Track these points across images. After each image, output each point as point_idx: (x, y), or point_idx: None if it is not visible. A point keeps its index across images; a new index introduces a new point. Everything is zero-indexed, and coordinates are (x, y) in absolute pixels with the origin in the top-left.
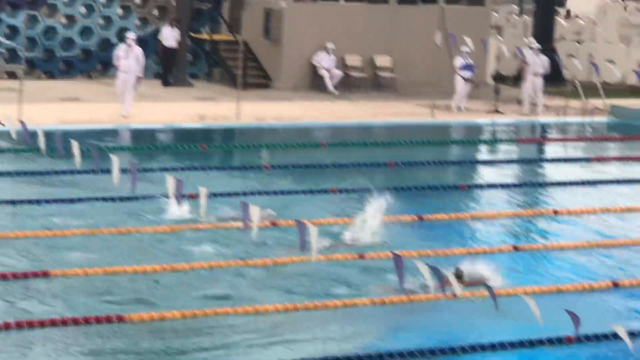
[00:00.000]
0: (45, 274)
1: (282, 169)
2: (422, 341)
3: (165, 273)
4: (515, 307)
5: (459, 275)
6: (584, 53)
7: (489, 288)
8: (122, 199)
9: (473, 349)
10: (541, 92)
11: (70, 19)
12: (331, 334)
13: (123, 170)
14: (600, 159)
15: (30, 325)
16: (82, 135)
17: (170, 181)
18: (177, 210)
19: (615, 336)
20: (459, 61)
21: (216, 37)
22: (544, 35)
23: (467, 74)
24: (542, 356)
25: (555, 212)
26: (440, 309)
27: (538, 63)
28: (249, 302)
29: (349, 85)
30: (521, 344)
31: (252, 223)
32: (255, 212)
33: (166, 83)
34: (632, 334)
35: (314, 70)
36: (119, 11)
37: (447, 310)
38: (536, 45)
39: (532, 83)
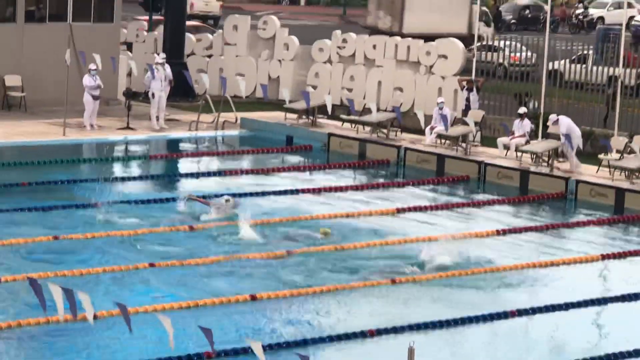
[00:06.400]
0: None
1: None
2: None
3: None
4: (153, 325)
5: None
6: (215, 67)
7: (122, 308)
8: None
9: None
10: (164, 107)
11: None
12: None
13: None
14: (233, 172)
15: None
16: None
17: None
18: None
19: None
20: (87, 79)
21: None
22: (175, 50)
23: (95, 91)
24: None
25: (191, 228)
26: (78, 332)
27: (162, 77)
28: None
29: None
30: None
31: None
32: None
33: None
34: (270, 347)
35: None
36: None
37: (84, 333)
38: (161, 59)
39: (159, 98)
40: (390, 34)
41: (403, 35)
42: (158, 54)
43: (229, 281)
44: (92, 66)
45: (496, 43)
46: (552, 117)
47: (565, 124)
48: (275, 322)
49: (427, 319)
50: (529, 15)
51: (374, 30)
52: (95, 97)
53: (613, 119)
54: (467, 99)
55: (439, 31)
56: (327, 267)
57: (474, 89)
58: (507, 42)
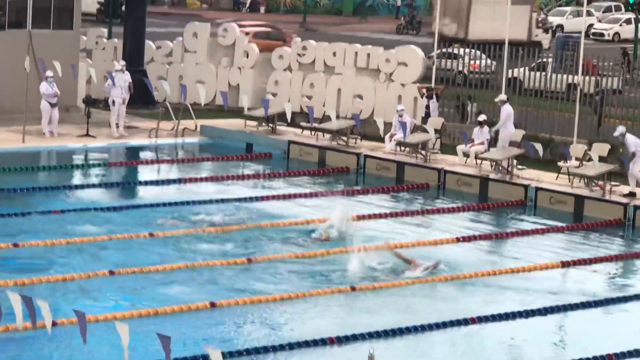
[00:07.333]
0: None
1: None
2: None
3: None
4: (112, 333)
5: None
6: (175, 75)
7: (80, 316)
8: None
9: None
10: (123, 114)
11: None
12: None
13: None
14: (193, 180)
15: None
16: None
17: None
18: None
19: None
20: (44, 86)
21: None
22: (135, 58)
23: (52, 99)
24: None
25: (151, 235)
26: (37, 340)
27: (122, 84)
28: None
29: None
30: None
31: None
32: None
33: None
34: (230, 354)
35: None
36: None
37: (43, 341)
38: (121, 66)
39: (119, 105)
40: (456, 40)
41: (468, 41)
42: (117, 61)
43: (188, 288)
44: (49, 73)
45: (456, 51)
46: (502, 96)
47: (505, 110)
48: (235, 329)
49: (386, 326)
50: None
51: (440, 37)
52: (52, 105)
53: (605, 128)
54: (427, 107)
55: (501, 37)
56: (287, 274)
57: (434, 97)
58: (467, 50)
